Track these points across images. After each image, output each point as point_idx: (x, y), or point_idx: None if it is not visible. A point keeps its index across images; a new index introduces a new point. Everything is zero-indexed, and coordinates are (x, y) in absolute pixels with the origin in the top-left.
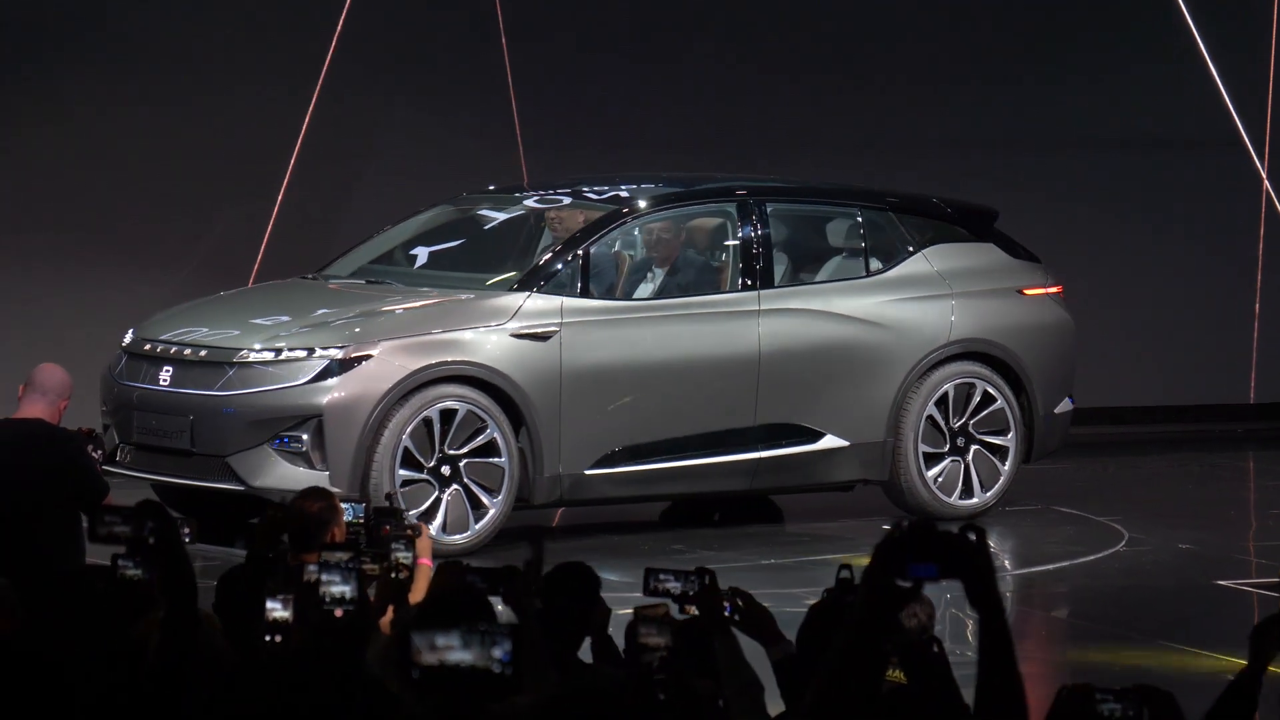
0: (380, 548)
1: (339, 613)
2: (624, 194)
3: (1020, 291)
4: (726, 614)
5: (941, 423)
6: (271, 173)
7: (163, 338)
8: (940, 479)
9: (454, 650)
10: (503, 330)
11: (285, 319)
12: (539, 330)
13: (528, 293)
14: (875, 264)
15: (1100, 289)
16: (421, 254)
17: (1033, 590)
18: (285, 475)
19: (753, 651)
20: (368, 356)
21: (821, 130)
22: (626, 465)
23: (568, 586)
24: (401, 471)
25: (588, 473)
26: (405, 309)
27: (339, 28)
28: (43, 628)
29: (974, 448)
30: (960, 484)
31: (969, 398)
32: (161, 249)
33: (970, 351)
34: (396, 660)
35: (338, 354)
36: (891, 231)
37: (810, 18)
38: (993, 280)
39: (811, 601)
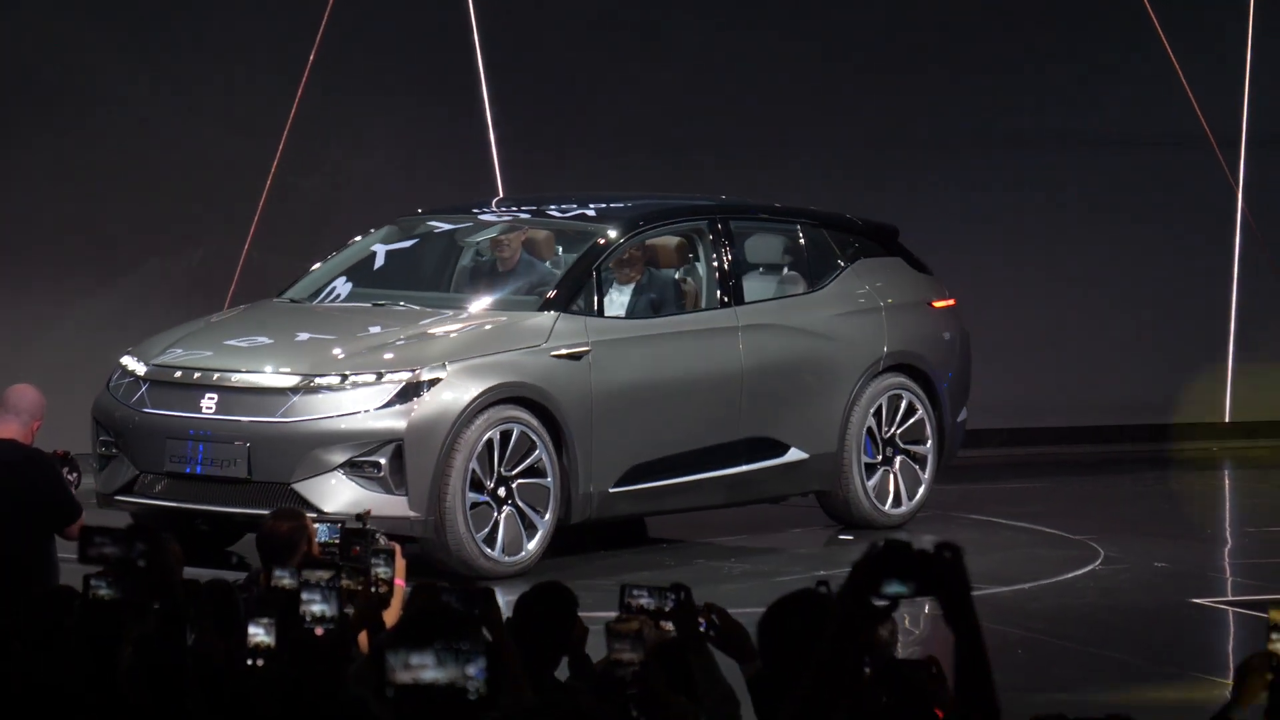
0: (353, 568)
1: (319, 631)
2: (590, 213)
3: (930, 304)
4: (702, 630)
5: (878, 434)
6: (248, 190)
7: (197, 365)
8: (875, 489)
9: (428, 669)
10: (543, 351)
11: (331, 343)
12: (574, 350)
13: (557, 313)
14: (816, 280)
15: (1076, 309)
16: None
17: (1008, 609)
18: (362, 501)
19: (727, 667)
20: (438, 379)
21: (801, 131)
22: (641, 483)
23: (545, 605)
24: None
25: (612, 491)
26: (455, 331)
27: (316, 42)
28: (20, 649)
29: (899, 458)
30: (891, 494)
31: (896, 409)
32: (131, 267)
33: (899, 364)
34: (373, 679)
35: (409, 377)
36: (825, 247)
37: (789, 17)
38: (909, 294)
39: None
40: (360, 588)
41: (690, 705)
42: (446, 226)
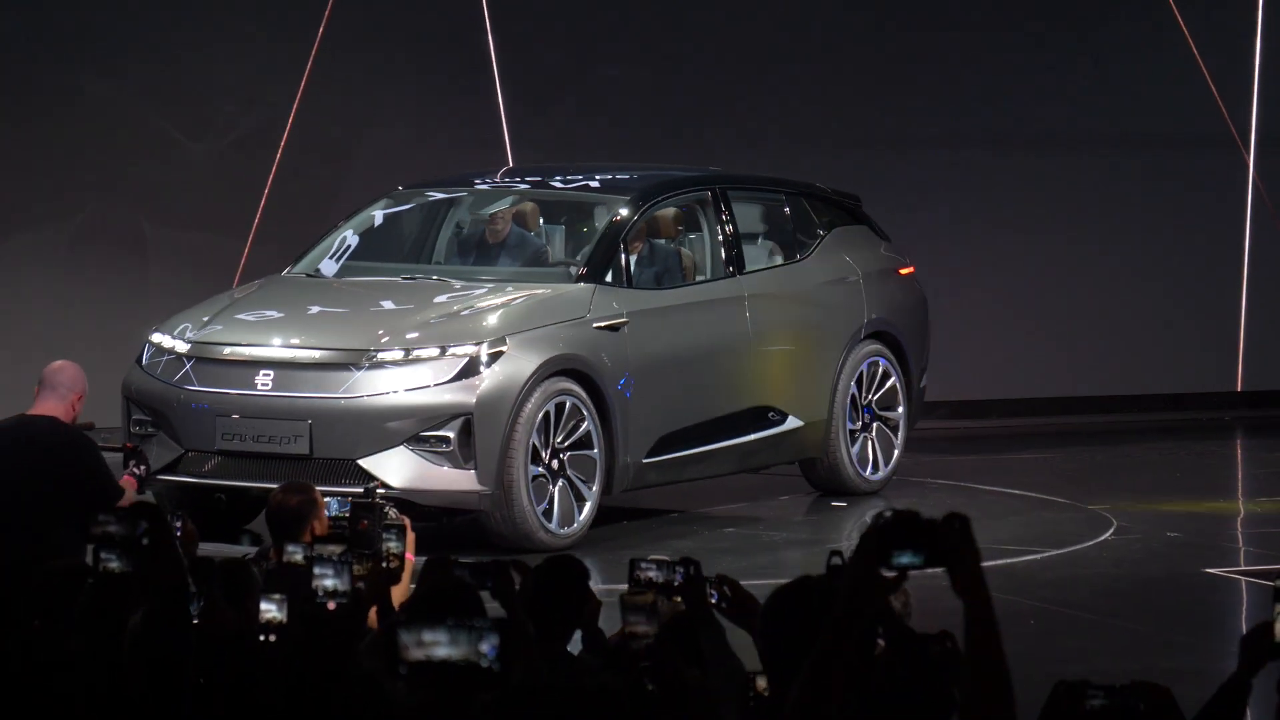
0: (360, 542)
1: (331, 605)
2: (595, 184)
3: (898, 272)
4: (714, 601)
5: (859, 401)
6: (257, 168)
7: (246, 341)
8: (857, 455)
9: (441, 646)
10: (586, 323)
11: (382, 317)
12: (613, 322)
13: (594, 284)
14: (801, 248)
15: (1089, 279)
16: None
17: (1020, 579)
18: (429, 475)
19: (740, 640)
20: (500, 352)
21: (813, 125)
22: (668, 453)
23: (557, 579)
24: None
25: (644, 461)
26: (503, 304)
27: (324, 22)
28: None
29: (875, 424)
30: (870, 460)
31: (874, 376)
32: (140, 243)
33: (876, 331)
34: (385, 655)
35: (473, 350)
36: (806, 217)
37: (799, 12)
38: (880, 261)
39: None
40: (368, 563)
41: (701, 677)
42: (442, 196)
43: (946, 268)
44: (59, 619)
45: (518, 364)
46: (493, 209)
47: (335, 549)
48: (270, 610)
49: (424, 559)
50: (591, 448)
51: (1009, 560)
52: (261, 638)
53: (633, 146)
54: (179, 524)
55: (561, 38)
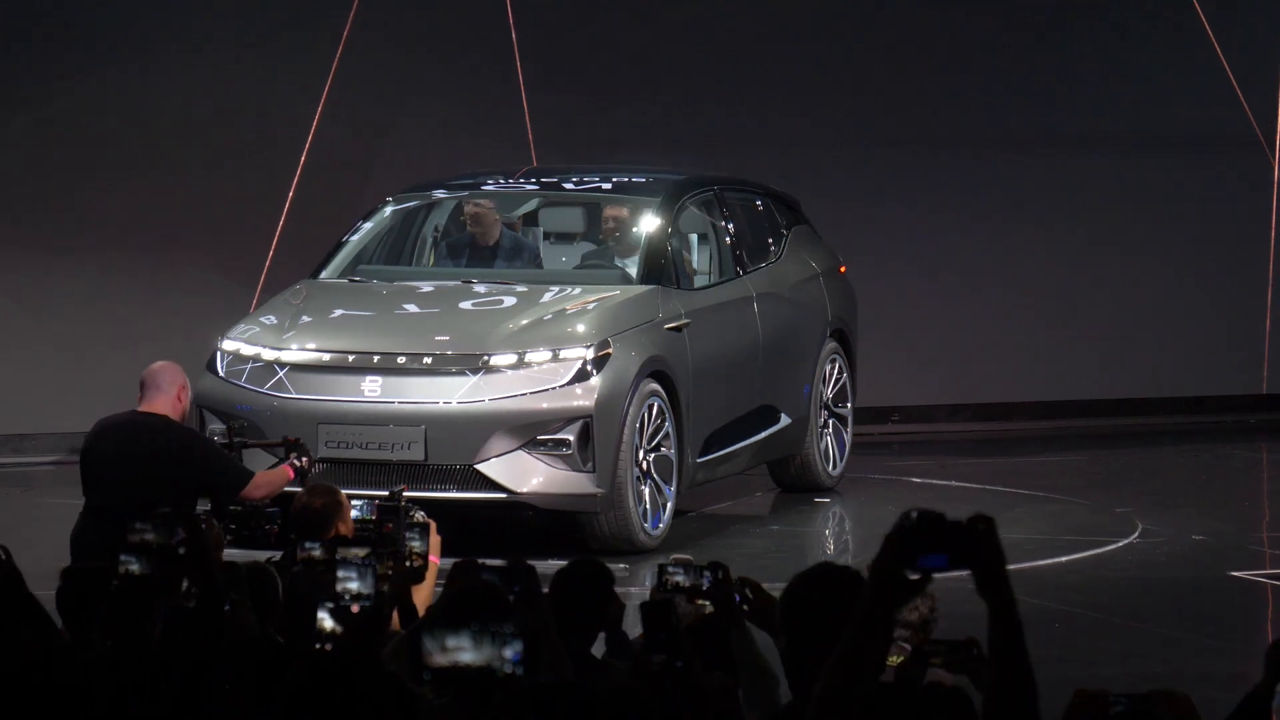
0: (385, 545)
1: (355, 608)
2: (607, 186)
3: (840, 270)
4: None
5: (823, 398)
6: (282, 170)
7: (347, 348)
8: (823, 451)
9: (465, 651)
10: (658, 325)
11: (483, 320)
12: (678, 324)
13: (655, 286)
14: (773, 248)
15: (1112, 282)
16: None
17: (1045, 582)
18: (549, 478)
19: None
20: (608, 355)
21: (829, 127)
22: (711, 452)
23: (581, 582)
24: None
25: (698, 461)
26: (595, 306)
27: (348, 23)
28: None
29: (832, 421)
30: (830, 455)
31: (831, 373)
32: (166, 239)
33: (834, 329)
34: (408, 659)
35: (584, 353)
36: (772, 216)
37: (815, 11)
38: (827, 260)
39: None
40: (392, 565)
41: (730, 681)
42: (446, 195)
43: (969, 270)
44: (85, 621)
45: (624, 366)
46: (530, 207)
47: (359, 551)
48: (325, 619)
49: (452, 562)
50: (669, 448)
51: (1033, 563)
52: (317, 646)
53: (665, 136)
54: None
55: (585, 22)
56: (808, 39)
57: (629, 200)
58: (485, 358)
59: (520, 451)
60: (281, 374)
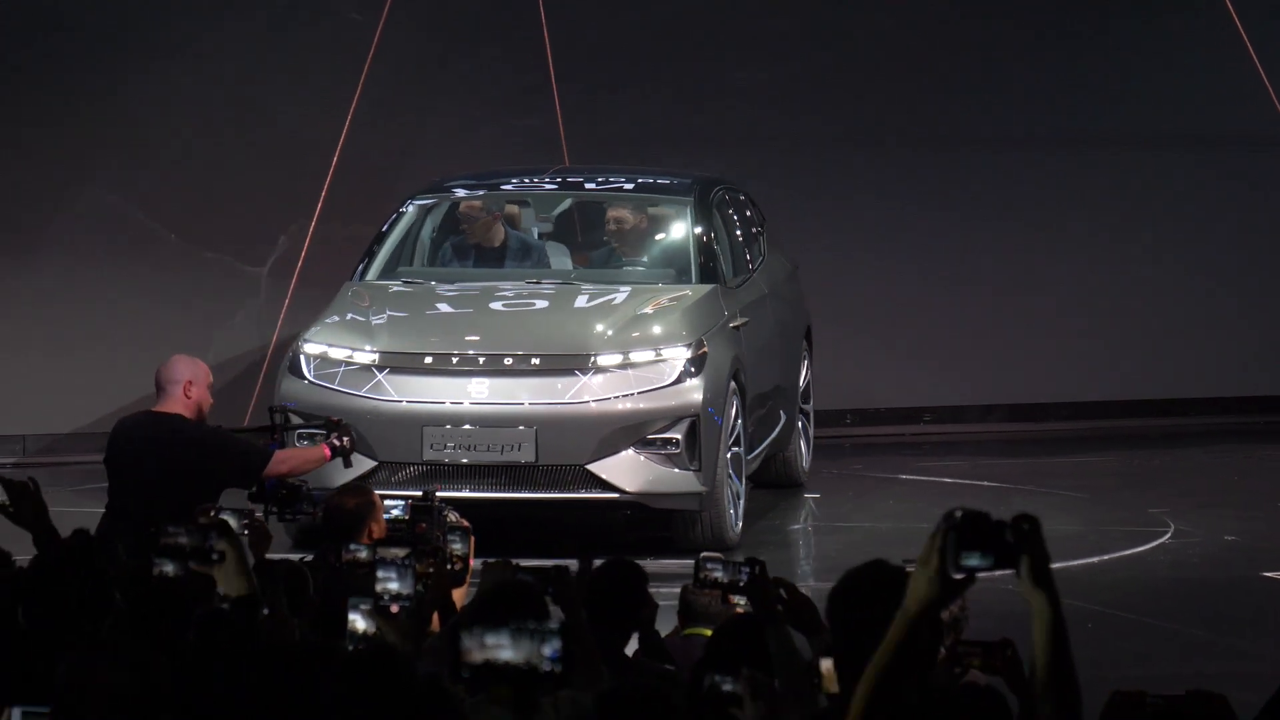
0: (418, 545)
1: (394, 609)
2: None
3: (796, 270)
4: None
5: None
6: (315, 169)
7: (449, 350)
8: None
9: (503, 649)
10: (727, 324)
11: (574, 321)
12: (739, 323)
13: (715, 285)
14: (761, 247)
15: (1146, 283)
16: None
17: (1078, 583)
18: (658, 478)
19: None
20: (705, 354)
21: (841, 126)
22: (752, 450)
23: (615, 583)
24: None
25: (748, 458)
26: (676, 306)
27: (378, 31)
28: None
29: (800, 418)
30: (803, 451)
31: (803, 370)
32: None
33: (807, 326)
34: (447, 657)
35: (685, 353)
36: (754, 215)
37: (835, 12)
38: (787, 259)
39: None
40: (433, 564)
41: (767, 679)
42: (466, 194)
43: (1001, 270)
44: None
45: (720, 365)
46: (564, 206)
47: (399, 552)
48: (357, 620)
49: (482, 561)
50: (740, 446)
51: (1066, 564)
52: (351, 647)
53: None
54: (247, 525)
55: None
56: (824, 36)
57: (659, 200)
58: (593, 358)
59: (630, 451)
60: (380, 376)
